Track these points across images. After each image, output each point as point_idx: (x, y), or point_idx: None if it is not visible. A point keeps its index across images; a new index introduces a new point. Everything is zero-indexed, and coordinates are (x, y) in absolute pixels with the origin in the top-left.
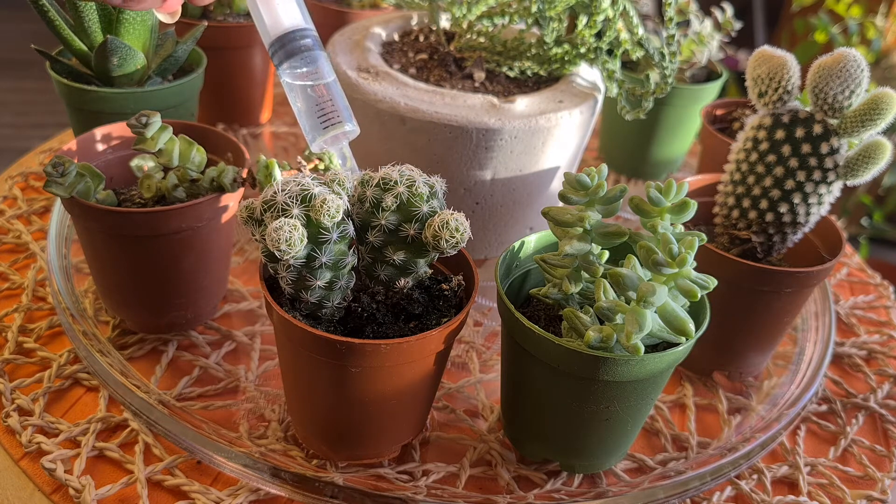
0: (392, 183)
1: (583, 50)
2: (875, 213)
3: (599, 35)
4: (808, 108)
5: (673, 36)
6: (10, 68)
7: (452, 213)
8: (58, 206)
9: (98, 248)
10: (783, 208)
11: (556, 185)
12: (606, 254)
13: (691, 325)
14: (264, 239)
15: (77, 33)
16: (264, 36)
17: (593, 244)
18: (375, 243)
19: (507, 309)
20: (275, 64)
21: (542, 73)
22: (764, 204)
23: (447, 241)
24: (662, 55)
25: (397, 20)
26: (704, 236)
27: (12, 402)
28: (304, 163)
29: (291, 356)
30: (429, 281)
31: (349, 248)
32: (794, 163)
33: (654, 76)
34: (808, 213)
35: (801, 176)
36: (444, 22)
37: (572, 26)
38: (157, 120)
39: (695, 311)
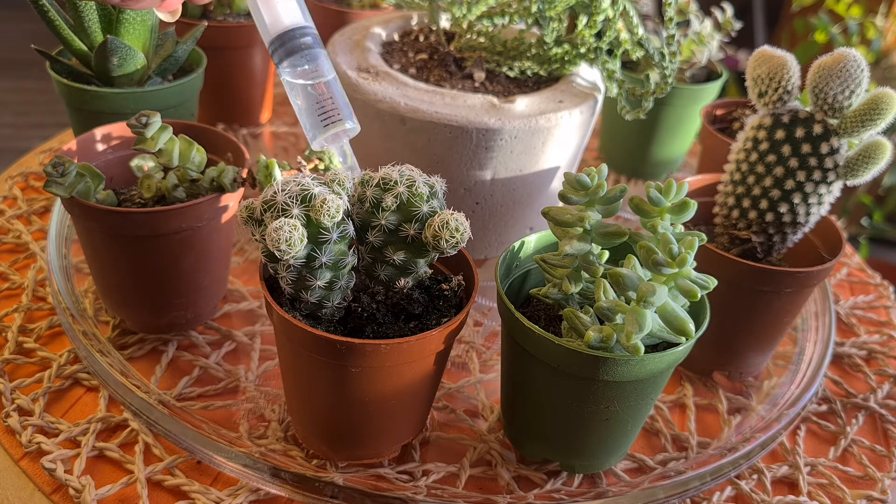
0: (392, 183)
1: (583, 50)
2: (875, 213)
3: (599, 35)
4: (808, 108)
5: (673, 36)
6: (10, 68)
7: (452, 213)
8: (58, 206)
9: (98, 248)
10: (783, 208)
11: (556, 185)
12: (606, 254)
13: (691, 325)
14: (264, 239)
15: (77, 33)
16: (264, 34)
17: (593, 244)
18: (375, 243)
19: (507, 309)
20: (275, 62)
21: (542, 73)
22: (764, 204)
23: (447, 241)
24: (662, 55)
25: (397, 20)
26: (704, 236)
27: (12, 402)
28: (304, 163)
29: (291, 356)
30: (429, 281)
31: (349, 248)
32: (794, 163)
33: (654, 76)
34: (808, 213)
35: (801, 176)
36: (444, 22)
37: (572, 26)
38: (157, 120)
39: (695, 311)
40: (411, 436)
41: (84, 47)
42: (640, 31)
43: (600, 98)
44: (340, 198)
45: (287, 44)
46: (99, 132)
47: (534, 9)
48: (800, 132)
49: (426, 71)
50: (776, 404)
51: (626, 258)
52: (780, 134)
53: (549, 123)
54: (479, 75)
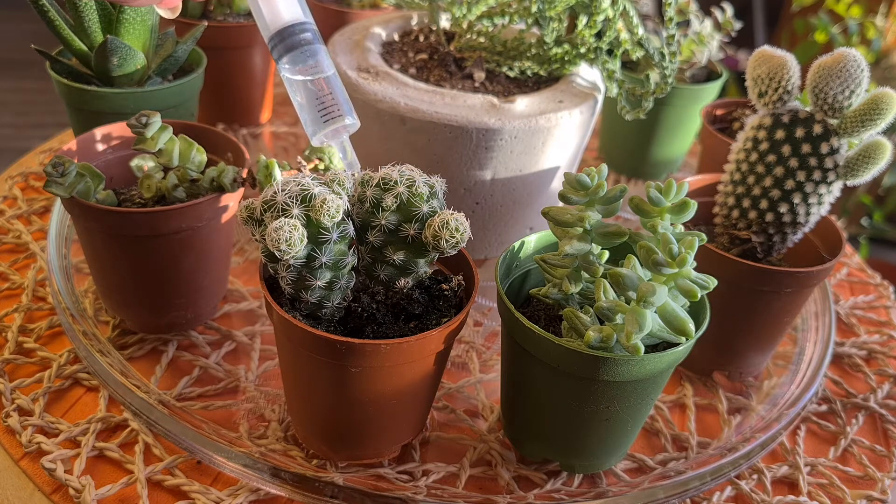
0: (392, 183)
1: (583, 50)
2: (875, 213)
3: (599, 35)
4: (808, 108)
5: (673, 36)
6: (10, 68)
7: (452, 213)
8: (58, 206)
9: (98, 248)
10: (783, 208)
11: (556, 185)
12: (606, 254)
13: (691, 325)
14: (264, 239)
15: (77, 33)
16: (263, 30)
17: (593, 244)
18: (375, 243)
19: (507, 309)
20: (274, 58)
21: (542, 73)
22: (764, 204)
23: (447, 241)
24: (662, 55)
25: (397, 20)
26: (704, 236)
27: (12, 402)
28: (304, 163)
29: (291, 356)
30: (429, 281)
31: (349, 248)
32: (794, 163)
33: (654, 76)
34: (808, 213)
35: (801, 176)
36: (444, 22)
37: (572, 26)
38: (157, 120)
39: (695, 311)
40: (411, 436)
41: (84, 47)
42: (640, 31)
43: (600, 98)
44: (340, 198)
45: (287, 39)
46: (99, 132)
47: (534, 9)
48: (800, 132)
49: (426, 71)
50: (776, 404)
51: (626, 258)
52: (780, 134)
53: (549, 123)
54: (479, 75)
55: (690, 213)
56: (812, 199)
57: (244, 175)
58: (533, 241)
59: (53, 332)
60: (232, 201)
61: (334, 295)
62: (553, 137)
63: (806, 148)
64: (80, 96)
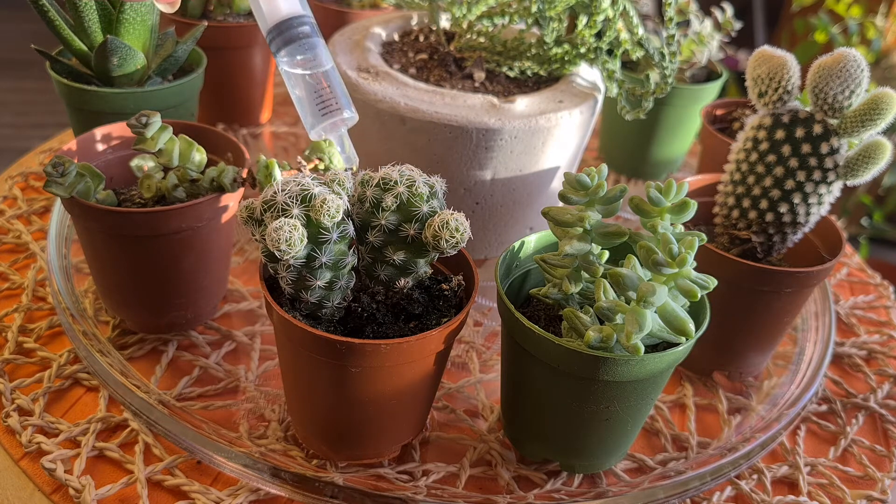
0: (392, 183)
1: (583, 50)
2: (875, 213)
3: (599, 35)
4: (808, 108)
5: (673, 36)
6: (10, 68)
7: (452, 213)
8: (58, 206)
9: (98, 248)
10: (783, 208)
11: (556, 185)
12: (606, 254)
13: (691, 325)
14: (264, 239)
15: (77, 33)
16: (262, 23)
17: (593, 244)
18: (375, 243)
19: (507, 309)
20: (273, 51)
21: (542, 73)
22: (764, 204)
23: (447, 241)
24: (662, 55)
25: (397, 20)
26: (704, 236)
27: (12, 402)
28: (304, 163)
29: (291, 356)
30: (429, 281)
31: (349, 248)
32: (794, 163)
33: (654, 76)
34: (808, 213)
35: (801, 176)
36: (444, 22)
37: (572, 26)
38: (157, 120)
39: (695, 311)
40: (411, 436)
41: (84, 47)
42: (640, 31)
43: (600, 98)
44: (340, 198)
45: (285, 33)
46: (99, 132)
47: (534, 9)
48: (800, 132)
49: (426, 71)
50: (776, 404)
51: (626, 258)
52: (780, 134)
53: (549, 123)
54: (479, 75)
55: (690, 213)
56: (812, 199)
57: (244, 175)
58: (533, 241)
59: (53, 332)
60: (232, 201)
61: (334, 295)
62: (553, 137)
63: (806, 148)
64: (80, 96)
